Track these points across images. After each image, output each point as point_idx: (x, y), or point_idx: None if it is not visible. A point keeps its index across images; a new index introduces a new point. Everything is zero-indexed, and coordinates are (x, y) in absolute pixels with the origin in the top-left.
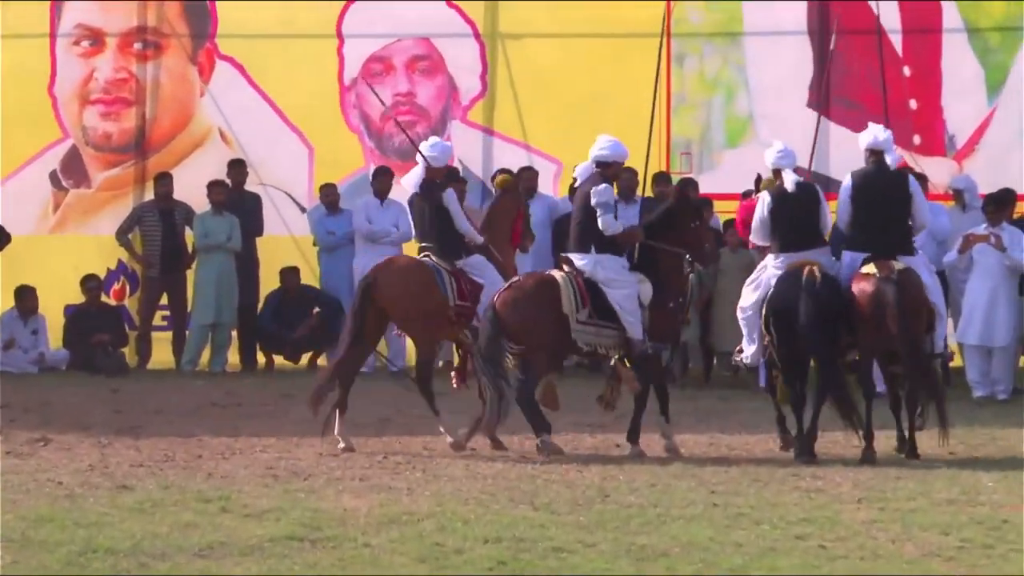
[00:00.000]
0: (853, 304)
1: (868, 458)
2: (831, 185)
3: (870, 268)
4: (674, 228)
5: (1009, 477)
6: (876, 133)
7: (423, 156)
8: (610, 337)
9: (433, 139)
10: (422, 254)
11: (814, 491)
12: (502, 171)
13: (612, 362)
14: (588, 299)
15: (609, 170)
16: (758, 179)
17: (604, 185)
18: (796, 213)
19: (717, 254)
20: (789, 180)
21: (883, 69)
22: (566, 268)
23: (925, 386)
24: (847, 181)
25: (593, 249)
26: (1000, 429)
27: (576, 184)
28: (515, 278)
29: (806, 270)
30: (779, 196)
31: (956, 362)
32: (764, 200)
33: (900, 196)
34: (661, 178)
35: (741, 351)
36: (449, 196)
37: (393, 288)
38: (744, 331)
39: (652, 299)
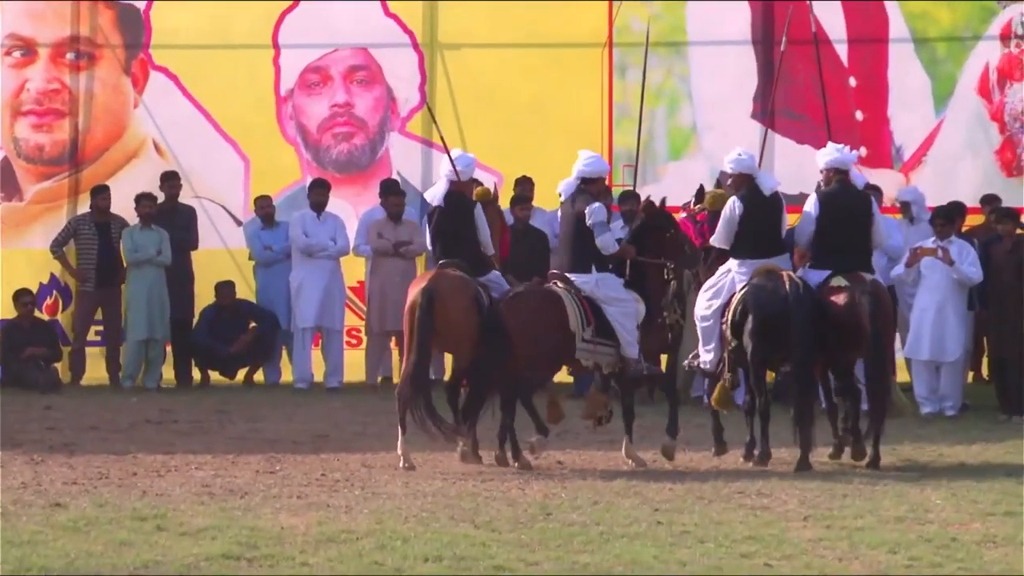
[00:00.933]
0: (827, 315)
1: (803, 467)
2: None
3: (840, 280)
4: (653, 240)
5: (958, 495)
6: (839, 151)
7: (453, 168)
8: (608, 355)
9: (457, 151)
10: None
11: (760, 509)
12: (476, 183)
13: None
14: (592, 317)
15: (594, 186)
16: (700, 191)
17: (598, 204)
18: (767, 220)
19: (699, 257)
20: (767, 184)
21: (822, 78)
22: (562, 285)
23: (881, 399)
24: (813, 201)
25: (594, 268)
26: (948, 446)
27: (561, 200)
28: (517, 289)
29: (786, 276)
30: (751, 201)
31: (903, 377)
32: (735, 205)
33: (864, 217)
34: (629, 196)
35: (697, 356)
36: (478, 210)
37: (455, 307)
38: (701, 338)
39: (644, 317)
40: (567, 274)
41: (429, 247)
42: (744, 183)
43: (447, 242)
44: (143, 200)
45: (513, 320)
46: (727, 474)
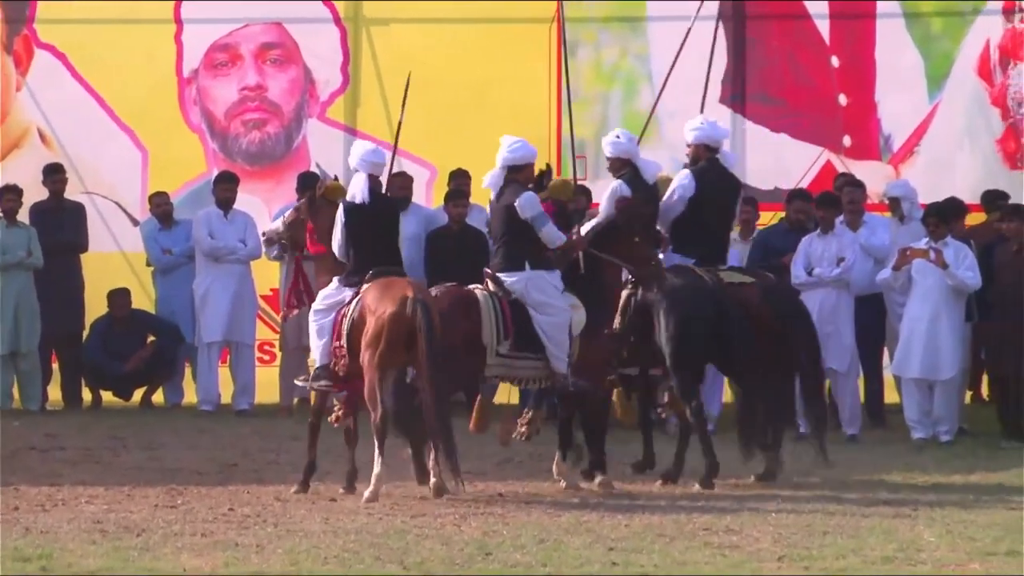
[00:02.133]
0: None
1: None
2: (748, 193)
3: (736, 276)
4: (616, 242)
5: (953, 531)
6: (708, 124)
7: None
8: (532, 369)
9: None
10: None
11: (728, 547)
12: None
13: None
14: (512, 329)
15: (522, 174)
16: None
17: (529, 193)
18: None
19: (660, 274)
20: (649, 171)
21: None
22: (491, 287)
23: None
24: (687, 178)
25: (527, 266)
26: (943, 476)
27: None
28: (430, 290)
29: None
30: (635, 189)
31: (892, 398)
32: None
33: (733, 203)
34: (580, 191)
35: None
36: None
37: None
38: None
39: (586, 325)
40: (498, 274)
41: (342, 250)
42: (622, 168)
43: (378, 245)
44: (7, 194)
45: None
46: (691, 508)
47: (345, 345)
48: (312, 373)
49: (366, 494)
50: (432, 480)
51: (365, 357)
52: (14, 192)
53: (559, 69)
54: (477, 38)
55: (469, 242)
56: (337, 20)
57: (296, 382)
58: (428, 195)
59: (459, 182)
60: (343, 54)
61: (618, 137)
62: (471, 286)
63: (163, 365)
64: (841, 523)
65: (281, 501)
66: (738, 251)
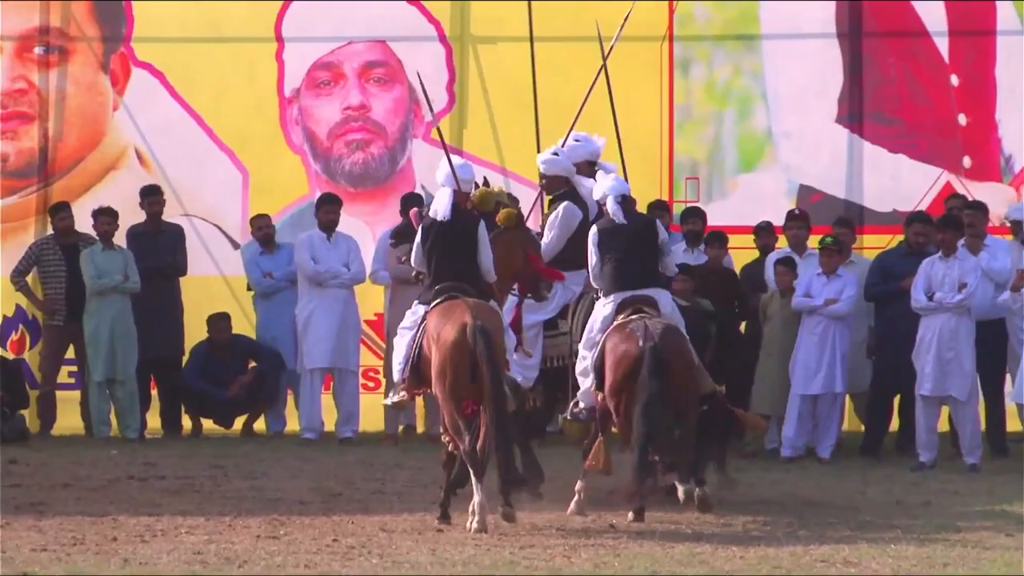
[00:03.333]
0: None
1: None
2: (865, 216)
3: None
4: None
5: None
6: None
7: (454, 175)
8: None
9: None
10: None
11: None
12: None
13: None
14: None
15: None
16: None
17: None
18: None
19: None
20: (585, 189)
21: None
22: None
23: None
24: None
25: None
26: None
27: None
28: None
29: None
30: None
31: (1014, 426)
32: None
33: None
34: (693, 213)
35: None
36: (483, 229)
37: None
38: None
39: None
40: None
41: (422, 267)
42: (560, 187)
43: (455, 264)
44: (102, 216)
45: None
46: (806, 538)
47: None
48: (393, 390)
49: (474, 524)
50: (501, 509)
51: (438, 389)
52: (109, 215)
53: (670, 88)
54: (585, 57)
55: None
56: (442, 38)
57: (385, 402)
58: (535, 217)
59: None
60: (448, 73)
61: (555, 154)
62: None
63: (265, 392)
64: (962, 554)
65: (387, 531)
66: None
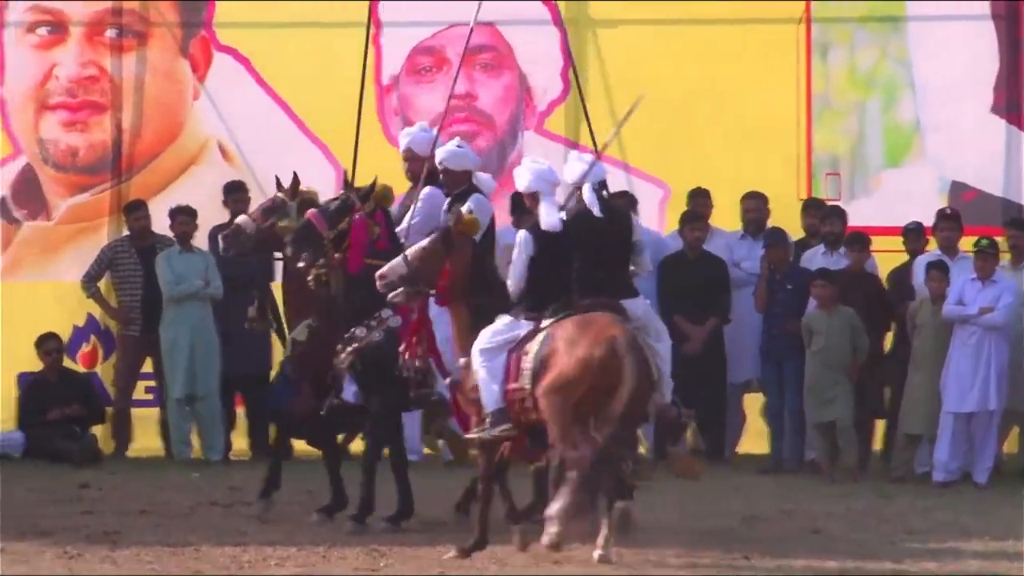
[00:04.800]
0: None
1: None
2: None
3: None
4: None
5: None
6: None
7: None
8: None
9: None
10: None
11: None
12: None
13: None
14: None
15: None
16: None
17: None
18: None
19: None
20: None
21: None
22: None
23: None
24: None
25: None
26: None
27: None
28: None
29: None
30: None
31: None
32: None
33: None
34: (832, 213)
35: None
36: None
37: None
38: None
39: None
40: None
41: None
42: (461, 183)
43: (609, 269)
44: (179, 216)
45: None
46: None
47: (529, 387)
48: (489, 420)
49: (597, 553)
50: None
51: (551, 401)
52: (187, 214)
53: (808, 75)
54: (714, 41)
55: (707, 270)
56: (557, 21)
57: (469, 436)
58: (661, 217)
59: (699, 202)
60: (564, 58)
61: (459, 147)
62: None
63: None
64: None
65: (499, 563)
66: None
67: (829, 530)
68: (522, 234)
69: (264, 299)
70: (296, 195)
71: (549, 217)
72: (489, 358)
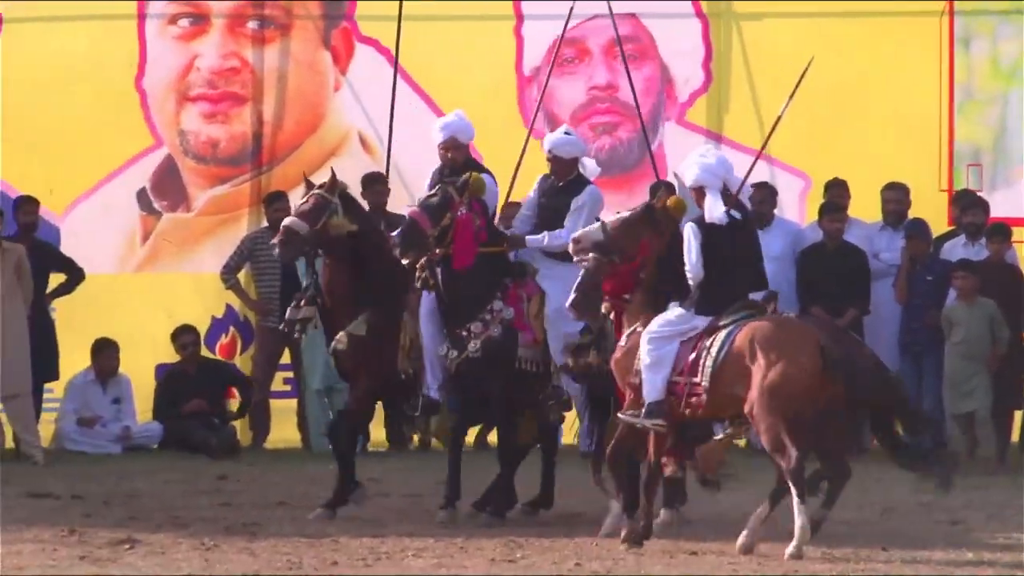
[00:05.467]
0: None
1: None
2: None
3: None
4: None
5: None
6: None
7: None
8: None
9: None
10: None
11: None
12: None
13: None
14: None
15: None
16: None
17: None
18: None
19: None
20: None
21: None
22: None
23: None
24: None
25: None
26: None
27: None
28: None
29: None
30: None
31: None
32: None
33: None
34: (974, 203)
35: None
36: None
37: None
38: None
39: None
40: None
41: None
42: (571, 171)
43: (741, 270)
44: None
45: None
46: None
47: (707, 384)
48: (644, 409)
49: (790, 550)
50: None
51: (764, 402)
52: None
53: (951, 66)
54: (856, 34)
55: (847, 261)
56: (699, 12)
57: (621, 416)
58: (801, 208)
59: (835, 193)
60: (705, 49)
61: (567, 134)
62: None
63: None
64: None
65: (636, 554)
66: None
67: (967, 522)
68: (690, 227)
69: (313, 299)
70: (335, 191)
71: (715, 211)
72: (658, 347)
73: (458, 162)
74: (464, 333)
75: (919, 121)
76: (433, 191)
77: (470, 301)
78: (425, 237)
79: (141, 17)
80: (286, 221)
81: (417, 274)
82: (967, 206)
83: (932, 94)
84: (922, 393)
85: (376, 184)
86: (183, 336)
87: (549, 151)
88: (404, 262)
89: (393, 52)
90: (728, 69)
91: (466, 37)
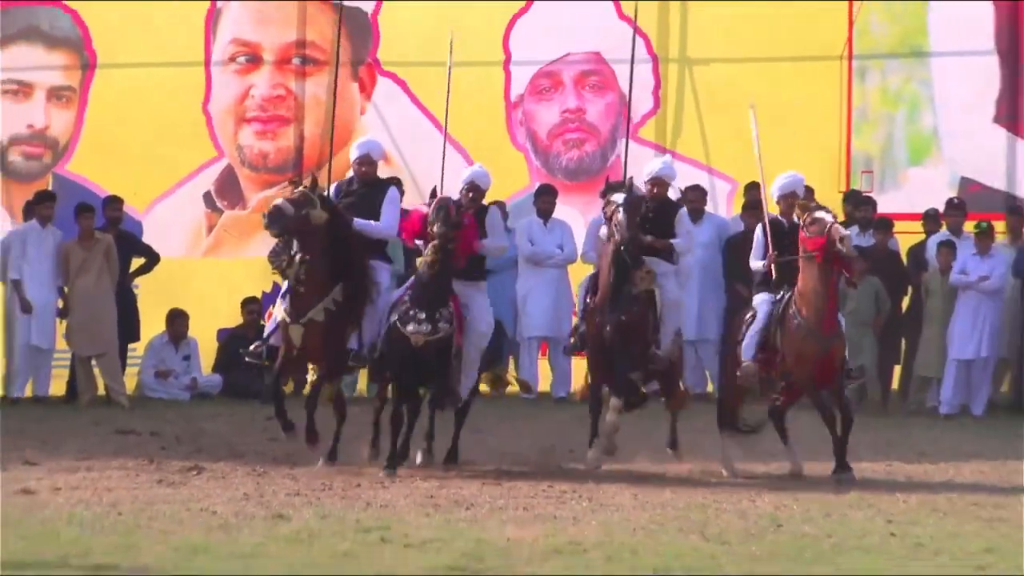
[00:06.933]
0: None
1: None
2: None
3: None
4: None
5: None
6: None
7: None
8: None
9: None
10: None
11: (996, 520)
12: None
13: None
14: None
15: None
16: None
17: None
18: None
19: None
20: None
21: None
22: None
23: None
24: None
25: None
26: None
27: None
28: None
29: None
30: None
31: None
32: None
33: None
34: (865, 202)
35: None
36: None
37: None
38: None
39: None
40: None
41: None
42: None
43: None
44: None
45: None
46: (962, 486)
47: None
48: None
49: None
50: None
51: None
52: None
53: (849, 95)
54: (776, 71)
55: None
56: (650, 49)
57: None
58: (728, 206)
59: (755, 193)
60: (654, 81)
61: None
62: None
63: (489, 357)
64: None
65: (595, 479)
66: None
67: (858, 454)
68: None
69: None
70: (315, 190)
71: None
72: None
73: (368, 175)
74: (437, 316)
75: (824, 137)
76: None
77: (444, 291)
78: (457, 219)
79: (208, 55)
80: (277, 202)
81: (431, 254)
82: (859, 203)
83: (834, 116)
84: None
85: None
86: (250, 304)
87: (657, 175)
88: (435, 230)
89: (408, 84)
90: (672, 97)
91: (469, 70)
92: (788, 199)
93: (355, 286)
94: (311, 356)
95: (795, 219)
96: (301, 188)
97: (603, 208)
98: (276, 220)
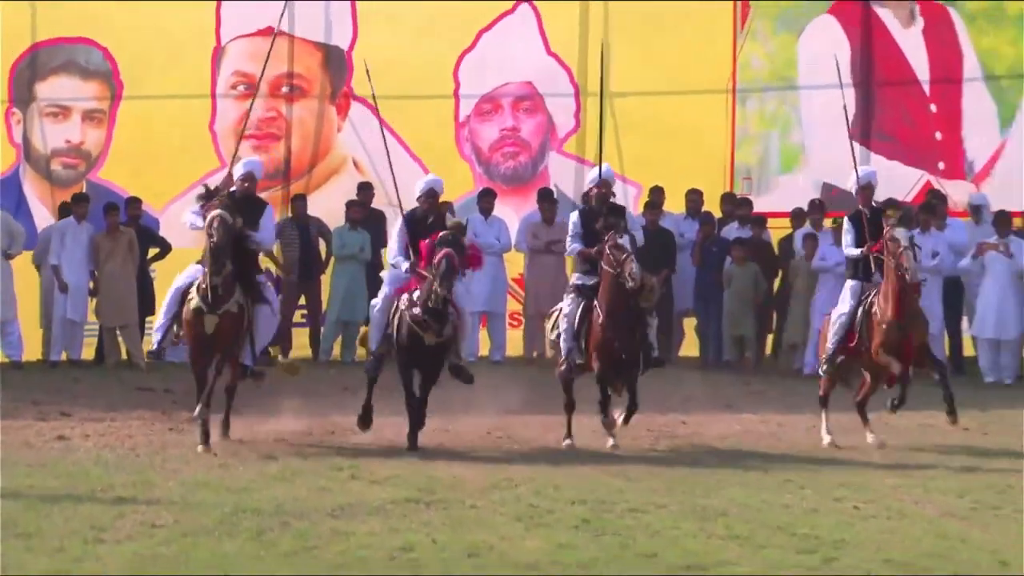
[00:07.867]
0: None
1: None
2: None
3: None
4: None
5: (1012, 449)
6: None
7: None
8: None
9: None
10: None
11: (849, 461)
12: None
13: None
14: None
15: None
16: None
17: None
18: None
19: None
20: None
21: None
22: None
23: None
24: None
25: None
26: (1007, 409)
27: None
28: None
29: None
30: None
31: (969, 351)
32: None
33: None
34: (743, 203)
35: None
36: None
37: None
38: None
39: None
40: None
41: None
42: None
43: None
44: (353, 206)
45: None
46: (819, 434)
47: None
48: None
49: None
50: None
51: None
52: (359, 205)
53: (733, 117)
54: (675, 100)
55: (661, 240)
56: (572, 80)
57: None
58: (635, 206)
59: (656, 195)
60: (576, 104)
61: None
62: None
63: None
64: (931, 443)
65: (528, 427)
66: None
67: (737, 405)
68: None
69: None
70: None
71: None
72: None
73: (250, 191)
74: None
75: (714, 150)
76: (448, 232)
77: (448, 307)
78: (458, 272)
79: (214, 86)
80: (220, 213)
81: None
82: (736, 203)
83: (722, 134)
84: (710, 323)
85: (367, 190)
86: None
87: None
88: (439, 291)
89: (377, 107)
90: (590, 118)
91: (422, 99)
92: (865, 190)
93: (251, 292)
94: (219, 343)
95: (873, 205)
96: (218, 200)
97: (606, 243)
98: (228, 230)
